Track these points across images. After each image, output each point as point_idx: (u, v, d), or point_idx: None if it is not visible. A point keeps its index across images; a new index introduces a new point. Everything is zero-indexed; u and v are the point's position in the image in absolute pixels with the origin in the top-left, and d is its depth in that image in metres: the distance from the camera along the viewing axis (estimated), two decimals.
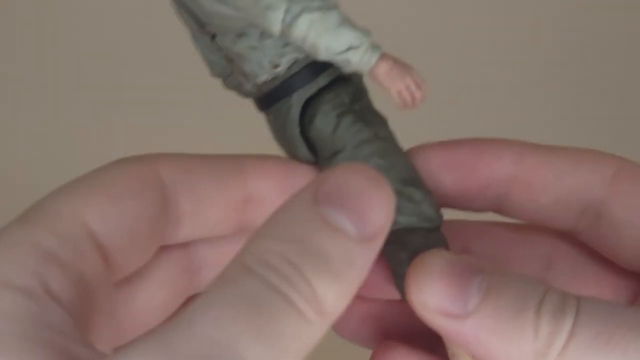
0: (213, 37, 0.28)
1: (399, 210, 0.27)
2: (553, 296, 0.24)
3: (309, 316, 0.21)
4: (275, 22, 0.26)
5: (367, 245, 0.22)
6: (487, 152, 0.30)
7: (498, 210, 0.30)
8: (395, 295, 0.29)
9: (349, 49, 0.26)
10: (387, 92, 0.27)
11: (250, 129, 0.35)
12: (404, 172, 0.28)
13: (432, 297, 0.24)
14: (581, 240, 0.30)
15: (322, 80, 0.28)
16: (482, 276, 0.25)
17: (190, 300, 0.30)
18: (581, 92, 0.60)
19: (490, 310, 0.24)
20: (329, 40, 0.26)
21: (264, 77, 0.28)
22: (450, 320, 0.25)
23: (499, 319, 0.24)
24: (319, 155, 0.29)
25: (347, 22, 0.26)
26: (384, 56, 0.27)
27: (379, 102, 0.29)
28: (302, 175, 0.29)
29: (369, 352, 0.30)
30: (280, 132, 0.29)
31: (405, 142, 0.30)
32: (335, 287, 0.21)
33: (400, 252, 0.27)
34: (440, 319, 0.25)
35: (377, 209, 0.22)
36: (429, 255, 0.25)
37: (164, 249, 0.28)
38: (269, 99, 0.28)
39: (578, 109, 0.61)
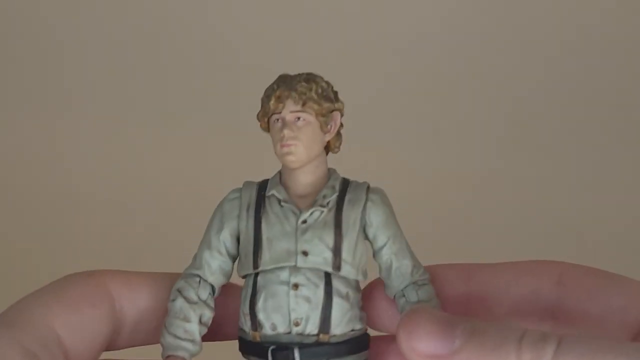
0: None
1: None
2: (533, 332, 0.26)
3: None
4: None
5: None
6: (435, 277, 0.32)
7: None
8: None
9: None
10: None
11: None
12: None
13: (421, 341, 0.26)
14: None
15: None
16: (465, 324, 0.27)
17: None
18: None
19: (475, 345, 0.26)
20: None
21: None
22: None
23: (484, 351, 0.26)
24: None
25: None
26: None
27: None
28: None
29: None
30: None
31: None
32: None
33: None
34: None
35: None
36: (415, 309, 0.28)
37: None
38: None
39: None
